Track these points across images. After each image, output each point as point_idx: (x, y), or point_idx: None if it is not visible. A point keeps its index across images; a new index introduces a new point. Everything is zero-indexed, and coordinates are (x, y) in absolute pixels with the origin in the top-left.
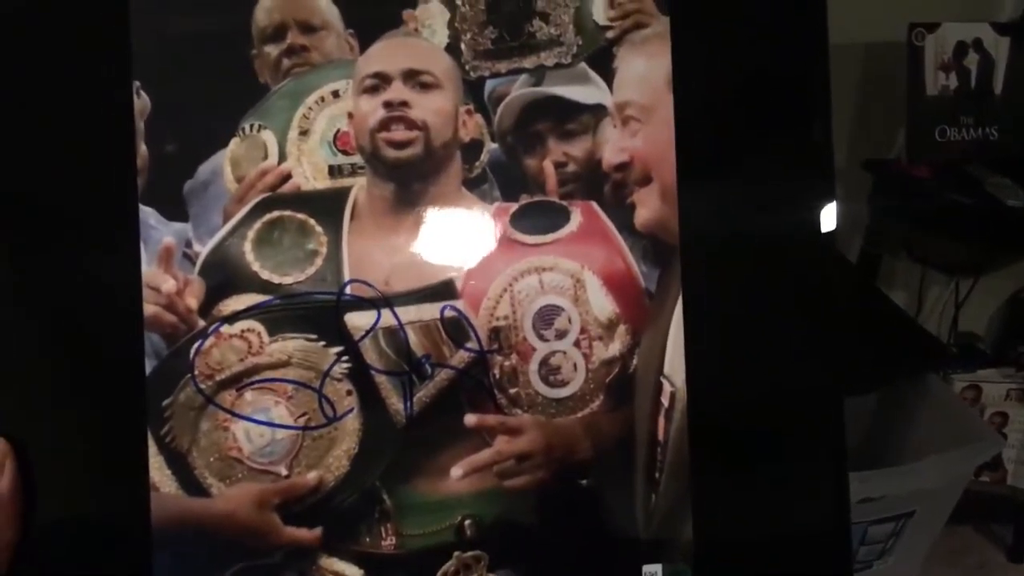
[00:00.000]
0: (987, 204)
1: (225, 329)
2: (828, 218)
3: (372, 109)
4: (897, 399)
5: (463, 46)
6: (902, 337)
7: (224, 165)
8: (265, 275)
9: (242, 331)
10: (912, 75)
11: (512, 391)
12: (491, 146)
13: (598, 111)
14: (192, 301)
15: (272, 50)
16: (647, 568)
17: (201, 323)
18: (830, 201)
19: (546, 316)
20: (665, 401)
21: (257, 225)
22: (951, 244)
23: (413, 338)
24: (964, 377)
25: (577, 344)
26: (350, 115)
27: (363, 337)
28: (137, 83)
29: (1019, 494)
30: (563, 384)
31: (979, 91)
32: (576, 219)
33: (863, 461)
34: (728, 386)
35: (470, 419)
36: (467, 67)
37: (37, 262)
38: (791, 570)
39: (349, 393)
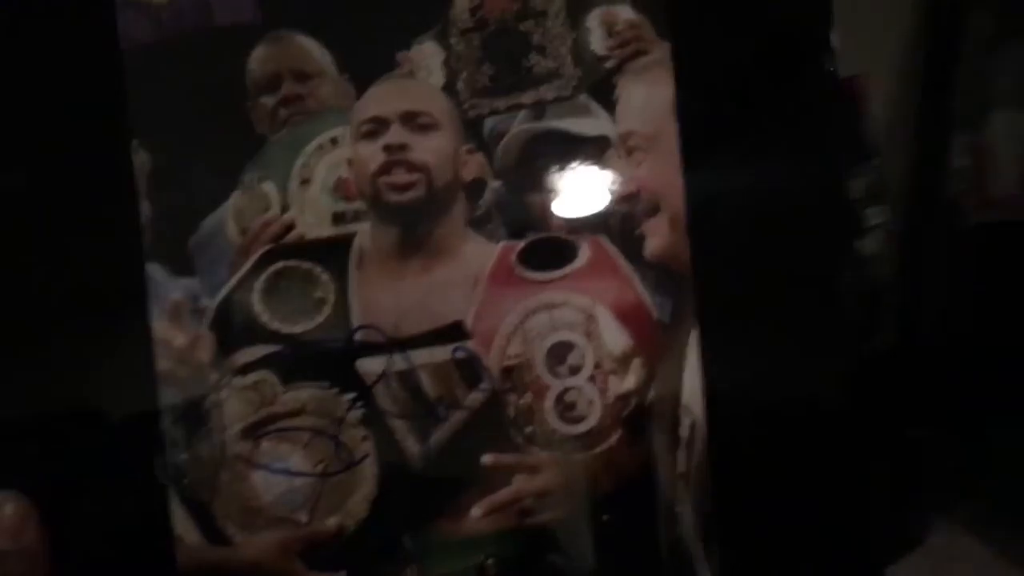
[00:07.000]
0: None
1: (238, 381)
2: (840, 244)
3: (371, 154)
4: None
5: (460, 84)
6: None
7: (227, 218)
8: (274, 325)
9: (255, 382)
10: None
11: (528, 429)
12: (494, 184)
13: (601, 143)
14: (203, 355)
15: (268, 100)
16: None
17: (214, 376)
18: (843, 228)
19: (559, 353)
20: (684, 433)
21: (263, 276)
22: None
23: (426, 380)
24: None
25: (592, 379)
26: (349, 161)
27: (375, 382)
28: (135, 141)
29: None
30: (579, 420)
31: None
32: (585, 254)
33: None
34: (748, 415)
35: (487, 459)
36: (465, 106)
37: (52, 326)
38: None
39: (365, 438)
